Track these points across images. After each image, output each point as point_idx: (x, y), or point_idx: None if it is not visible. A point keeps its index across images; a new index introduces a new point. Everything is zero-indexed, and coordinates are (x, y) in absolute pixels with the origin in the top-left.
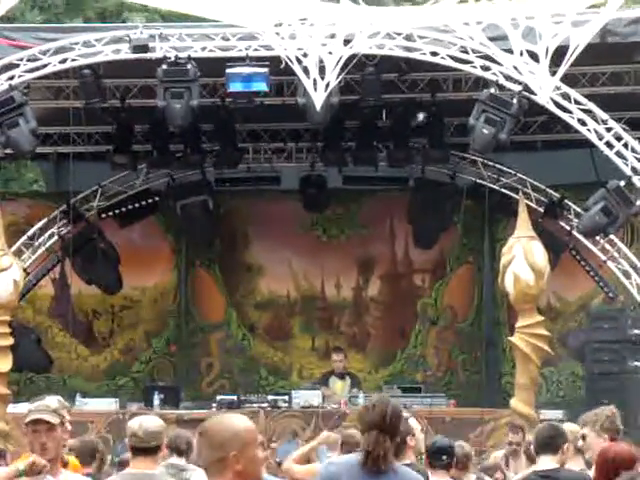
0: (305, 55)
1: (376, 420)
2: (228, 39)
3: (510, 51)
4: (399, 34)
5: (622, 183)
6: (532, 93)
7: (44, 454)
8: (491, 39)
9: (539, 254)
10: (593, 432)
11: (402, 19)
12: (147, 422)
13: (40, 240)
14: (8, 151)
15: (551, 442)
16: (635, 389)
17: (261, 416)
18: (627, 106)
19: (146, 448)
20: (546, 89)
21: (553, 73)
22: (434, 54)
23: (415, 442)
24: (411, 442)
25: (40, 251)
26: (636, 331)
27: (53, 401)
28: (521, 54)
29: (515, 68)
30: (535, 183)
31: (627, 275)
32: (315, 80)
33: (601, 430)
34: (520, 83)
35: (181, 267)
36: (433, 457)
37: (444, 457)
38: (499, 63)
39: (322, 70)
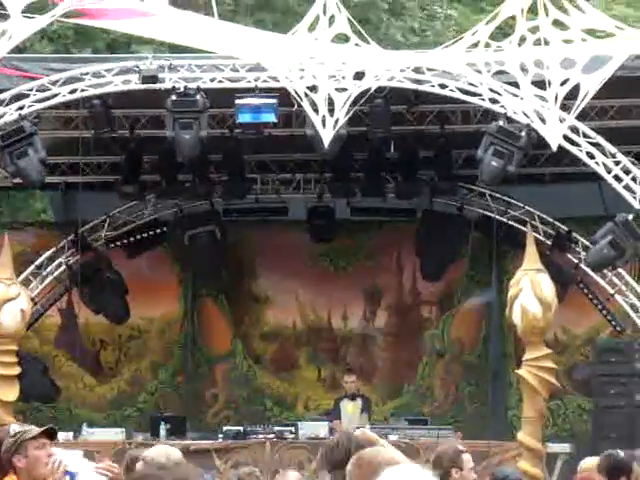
0: (314, 89)
1: (341, 459)
2: (237, 70)
3: (516, 85)
4: (408, 67)
5: (630, 216)
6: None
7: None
8: (499, 74)
9: (547, 287)
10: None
11: (411, 62)
12: (169, 451)
13: (48, 269)
14: (17, 180)
15: None
16: None
17: (267, 447)
18: (635, 139)
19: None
20: (556, 135)
21: (563, 106)
22: (443, 86)
23: (462, 477)
24: (456, 475)
25: (48, 280)
26: None
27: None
28: (530, 100)
29: (525, 114)
30: (543, 216)
31: (635, 309)
32: (324, 116)
33: None
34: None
35: (188, 297)
36: None
37: None
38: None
39: (331, 103)
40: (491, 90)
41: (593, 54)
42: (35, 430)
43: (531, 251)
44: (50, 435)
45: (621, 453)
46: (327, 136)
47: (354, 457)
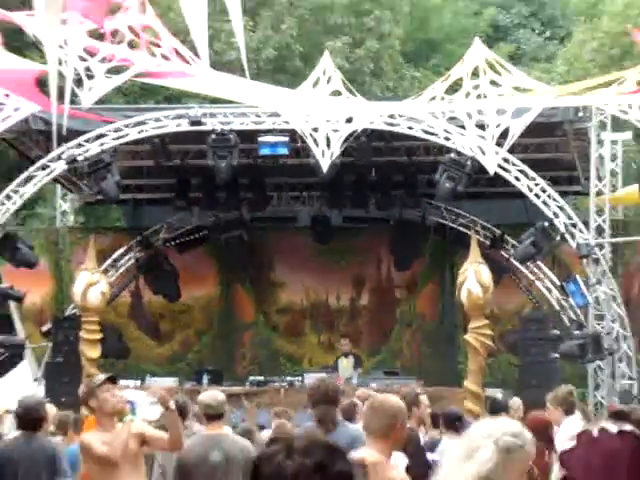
0: (316, 130)
1: (322, 396)
2: (260, 116)
3: (464, 127)
4: (384, 114)
5: (546, 224)
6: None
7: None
8: (451, 119)
9: (486, 275)
10: (551, 406)
11: (387, 111)
12: (217, 395)
13: (121, 262)
14: (99, 197)
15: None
16: (555, 374)
17: (282, 392)
18: (549, 167)
19: (219, 414)
20: (492, 164)
21: (499, 144)
22: (410, 128)
23: (420, 412)
24: (417, 412)
25: (121, 270)
26: (555, 332)
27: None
28: (474, 138)
29: (470, 148)
30: (483, 223)
31: (549, 290)
32: (323, 151)
33: (557, 404)
34: (472, 150)
35: (223, 282)
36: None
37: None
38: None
39: (328, 140)
40: (445, 131)
41: (519, 105)
42: (101, 378)
43: (474, 249)
44: (113, 380)
45: (500, 395)
46: (325, 164)
47: (369, 401)
